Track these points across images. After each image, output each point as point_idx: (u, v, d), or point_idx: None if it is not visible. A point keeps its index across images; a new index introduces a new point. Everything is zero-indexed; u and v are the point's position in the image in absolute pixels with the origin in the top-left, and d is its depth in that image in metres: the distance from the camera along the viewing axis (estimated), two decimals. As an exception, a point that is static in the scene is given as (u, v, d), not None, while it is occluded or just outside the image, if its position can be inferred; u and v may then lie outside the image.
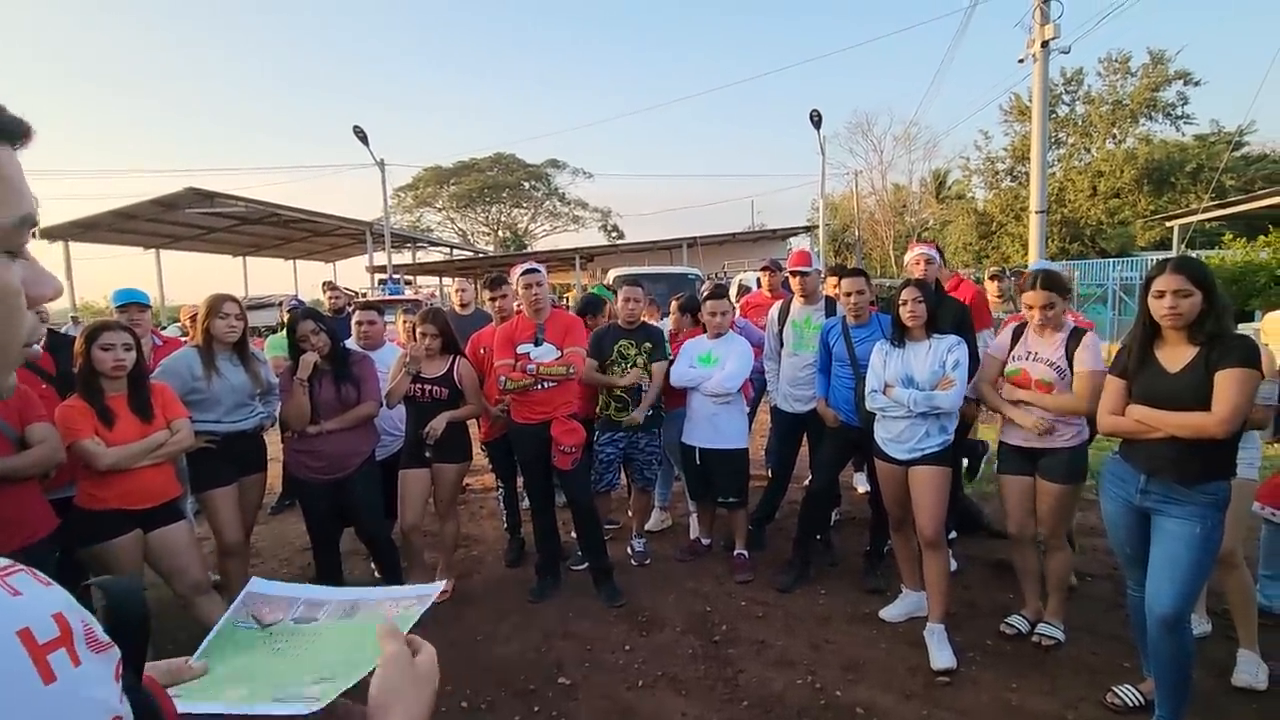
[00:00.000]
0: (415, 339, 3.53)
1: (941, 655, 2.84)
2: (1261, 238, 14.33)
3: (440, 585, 0.94)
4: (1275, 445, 5.30)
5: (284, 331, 3.97)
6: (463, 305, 5.22)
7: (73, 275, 21.27)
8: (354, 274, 46.74)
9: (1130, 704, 2.49)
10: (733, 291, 11.96)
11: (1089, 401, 2.70)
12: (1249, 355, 2.07)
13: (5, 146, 0.49)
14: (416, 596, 0.89)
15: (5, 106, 0.49)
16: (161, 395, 2.81)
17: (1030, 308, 2.90)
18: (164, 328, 7.95)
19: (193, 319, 3.81)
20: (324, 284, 10.94)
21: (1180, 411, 2.13)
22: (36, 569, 0.45)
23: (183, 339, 4.31)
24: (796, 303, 4.01)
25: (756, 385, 4.60)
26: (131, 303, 3.69)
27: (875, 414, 3.14)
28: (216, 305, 3.14)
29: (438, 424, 3.40)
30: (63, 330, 3.71)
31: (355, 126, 18.77)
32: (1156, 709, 2.28)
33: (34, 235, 0.52)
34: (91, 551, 2.57)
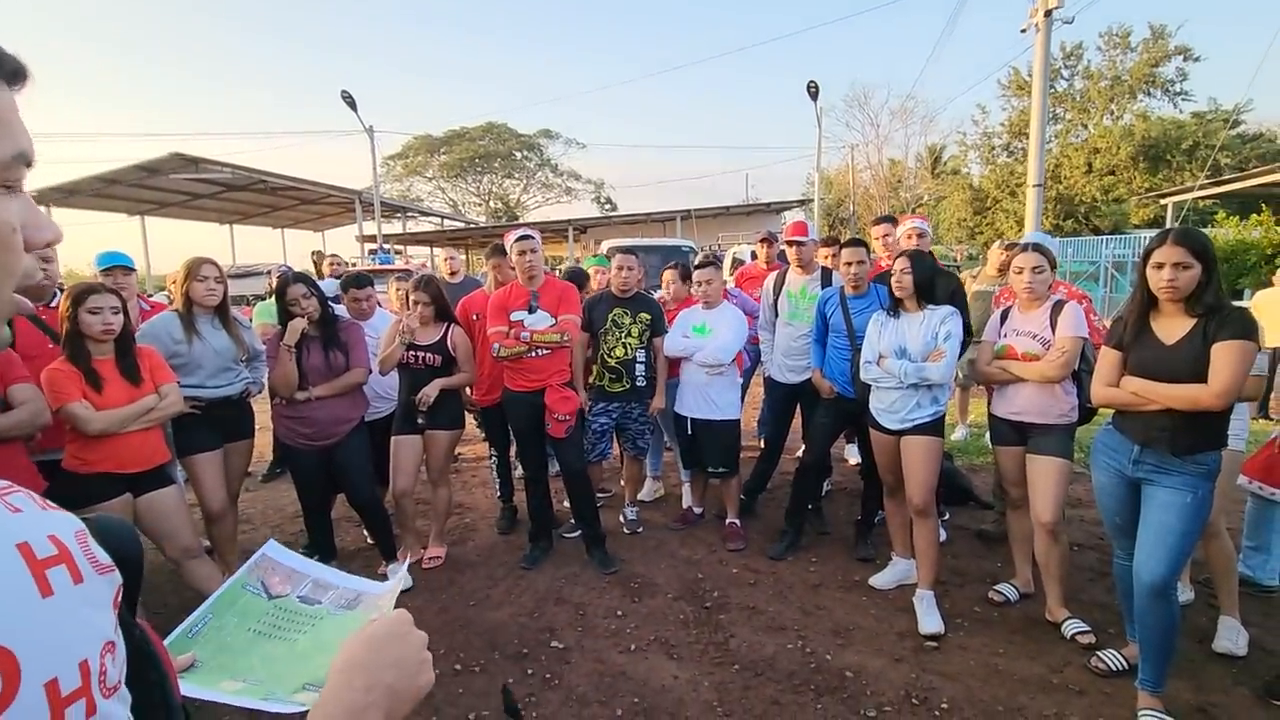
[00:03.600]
0: (409, 306, 3.49)
1: (930, 620, 2.89)
2: (1254, 216, 14.37)
3: (403, 570, 0.98)
4: (1260, 420, 5.38)
5: (272, 298, 3.90)
6: (452, 274, 5.19)
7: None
8: (343, 243, 46.18)
9: (1114, 668, 2.54)
10: (726, 264, 11.91)
11: (1062, 367, 2.74)
12: (1246, 328, 2.06)
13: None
14: (405, 589, 0.93)
15: (3, 46, 0.49)
16: (149, 359, 2.77)
17: (1019, 270, 2.90)
18: (151, 295, 7.89)
19: (174, 283, 3.74)
20: (313, 253, 10.85)
21: (1176, 383, 2.13)
22: None
23: (169, 305, 4.25)
24: (792, 273, 3.99)
25: (751, 356, 4.60)
26: (116, 266, 3.61)
27: (870, 384, 3.15)
28: (195, 268, 3.09)
29: (430, 390, 3.37)
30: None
31: (343, 92, 18.36)
32: (1140, 673, 2.33)
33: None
34: (79, 516, 2.54)
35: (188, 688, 0.76)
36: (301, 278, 3.32)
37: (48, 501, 0.46)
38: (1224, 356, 2.04)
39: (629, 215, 26.87)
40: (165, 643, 0.83)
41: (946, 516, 4.02)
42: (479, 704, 2.50)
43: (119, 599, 0.48)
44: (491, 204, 45.19)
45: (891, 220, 4.26)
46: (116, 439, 2.58)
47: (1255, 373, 2.56)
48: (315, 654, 0.82)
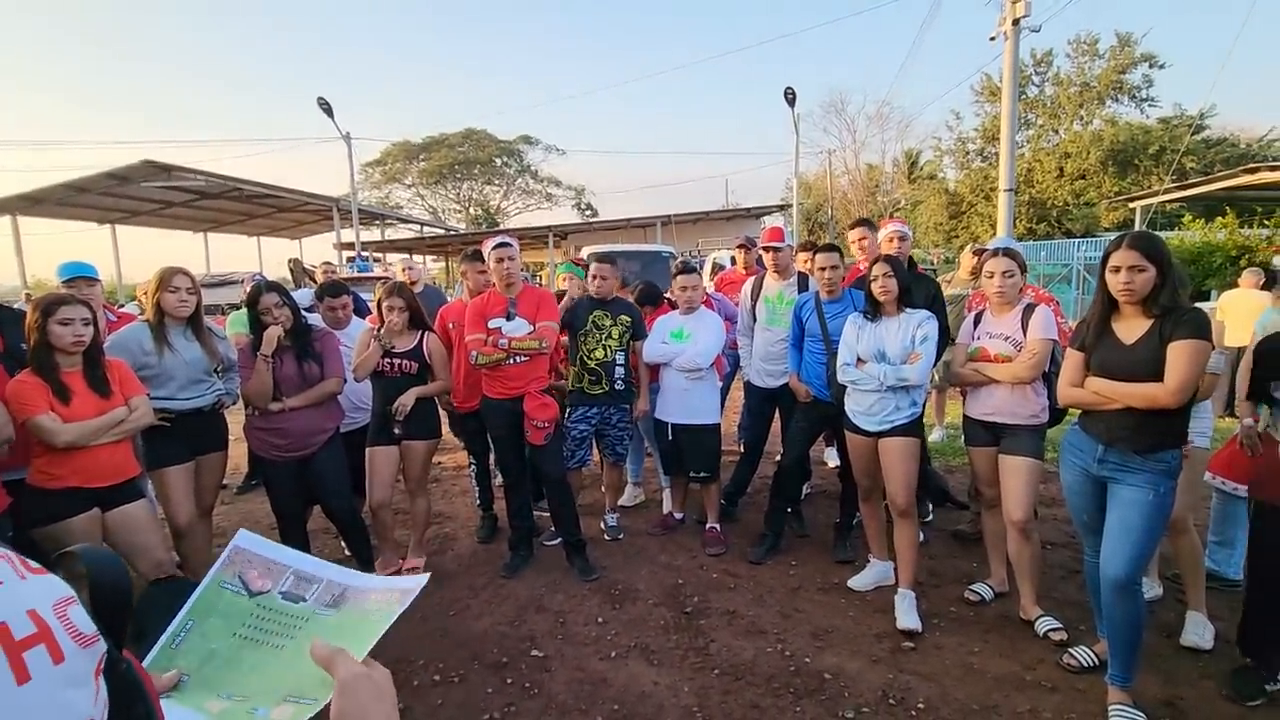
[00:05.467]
0: (381, 314, 3.46)
1: (908, 617, 2.93)
2: (1219, 219, 14.75)
3: (424, 579, 0.92)
4: (1226, 418, 5.52)
5: (245, 307, 3.85)
6: (412, 283, 5.18)
7: (22, 250, 20.40)
8: (321, 251, 45.66)
9: (1085, 664, 2.59)
10: (707, 269, 11.97)
11: (1033, 368, 2.80)
12: (1200, 327, 2.12)
13: None
14: (400, 590, 0.88)
15: None
16: (118, 371, 2.72)
17: (991, 275, 2.96)
18: (122, 305, 7.78)
19: (145, 294, 3.68)
20: (290, 260, 10.73)
21: (1136, 382, 2.19)
22: None
23: (138, 315, 4.17)
24: (770, 278, 4.02)
25: (730, 361, 4.63)
26: (79, 277, 3.54)
27: (846, 387, 3.18)
28: (167, 278, 3.04)
29: (406, 399, 3.35)
30: (14, 307, 3.56)
31: (319, 98, 18.18)
32: (1109, 668, 2.37)
33: None
34: (47, 531, 2.49)
35: (174, 713, 0.74)
36: (274, 286, 3.29)
37: (29, 563, 0.43)
38: (1179, 355, 2.10)
39: (609, 221, 26.89)
40: (150, 657, 0.82)
41: (930, 518, 4.08)
42: (459, 715, 2.48)
43: (103, 665, 0.45)
44: (471, 210, 44.96)
45: (868, 224, 4.30)
46: (85, 452, 2.54)
47: (1213, 372, 2.65)
48: (298, 663, 0.80)
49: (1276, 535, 2.37)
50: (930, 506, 4.18)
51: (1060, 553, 3.65)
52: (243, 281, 11.91)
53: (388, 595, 0.87)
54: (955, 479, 4.70)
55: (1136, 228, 16.67)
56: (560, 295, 4.40)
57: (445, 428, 4.15)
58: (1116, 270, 2.21)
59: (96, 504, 2.59)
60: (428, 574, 0.97)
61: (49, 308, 2.50)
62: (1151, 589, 3.08)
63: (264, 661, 0.81)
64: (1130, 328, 2.25)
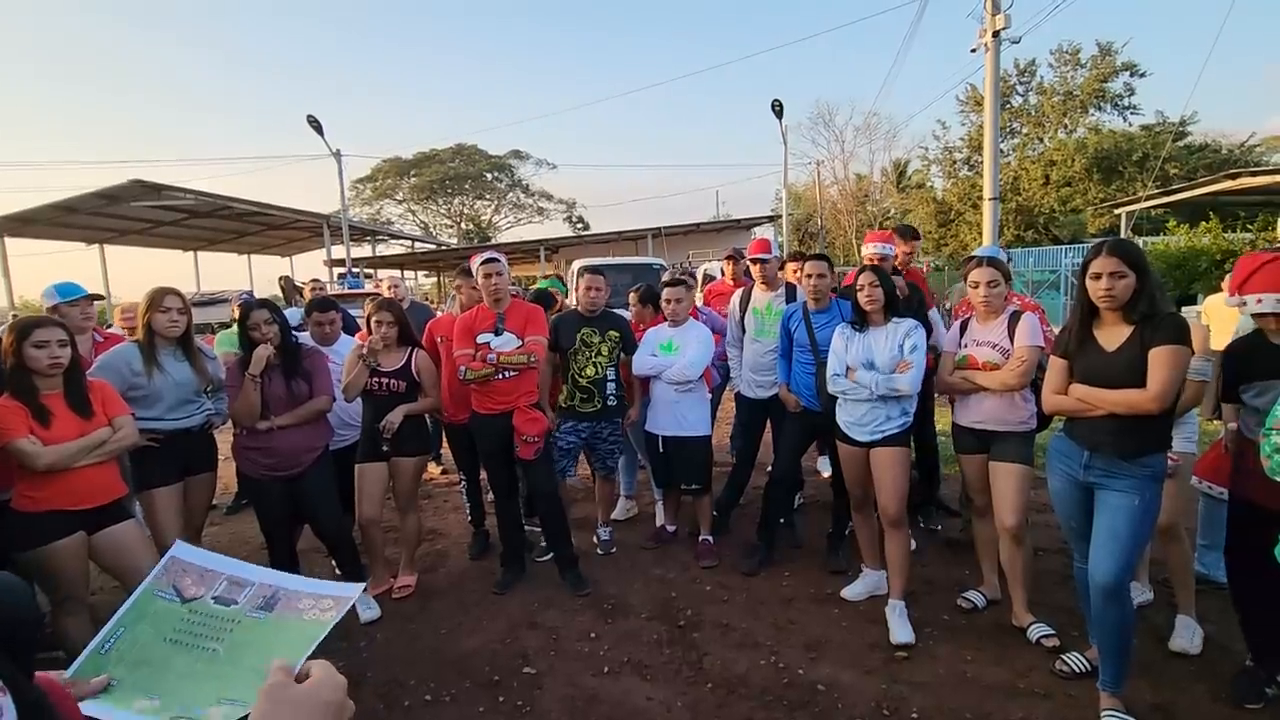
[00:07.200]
0: (370, 329, 3.45)
1: (901, 631, 2.92)
2: (1203, 224, 14.93)
3: (359, 587, 0.92)
4: (1214, 421, 5.56)
5: (234, 326, 3.84)
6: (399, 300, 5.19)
7: (10, 272, 20.28)
8: (312, 268, 45.57)
9: (1077, 670, 2.59)
10: (698, 281, 11.99)
11: (1022, 376, 2.81)
12: (1180, 333, 2.15)
13: None
14: (335, 598, 0.88)
15: None
16: (101, 392, 2.70)
17: (976, 285, 2.98)
18: (109, 325, 7.75)
19: (128, 319, 3.66)
20: (281, 278, 10.72)
21: (1118, 389, 2.21)
22: None
23: (124, 335, 4.15)
24: (757, 290, 4.05)
25: (721, 372, 4.64)
26: (83, 297, 3.53)
27: (837, 397, 3.19)
28: (157, 299, 3.03)
29: (394, 417, 3.33)
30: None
31: (309, 116, 18.23)
32: (1100, 673, 2.38)
33: None
34: (32, 555, 2.46)
35: (98, 709, 0.74)
36: (265, 303, 3.28)
37: None
38: (1159, 361, 2.12)
39: (600, 234, 27.02)
40: (77, 664, 0.81)
41: (939, 528, 4.08)
42: (449, 735, 2.46)
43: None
44: (463, 225, 45.05)
45: (914, 234, 4.31)
46: (69, 474, 2.51)
47: (1199, 378, 2.67)
48: (231, 666, 0.81)
49: (1247, 533, 2.39)
50: (935, 515, 4.18)
51: (1052, 559, 3.66)
52: (231, 300, 11.86)
53: (321, 602, 0.87)
54: (947, 486, 4.70)
55: (1122, 234, 16.87)
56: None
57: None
58: (1097, 277, 2.23)
59: (82, 526, 2.56)
60: (362, 583, 0.97)
61: (24, 330, 2.49)
62: (1143, 593, 3.09)
63: (196, 665, 0.81)
64: (1111, 334, 2.27)
